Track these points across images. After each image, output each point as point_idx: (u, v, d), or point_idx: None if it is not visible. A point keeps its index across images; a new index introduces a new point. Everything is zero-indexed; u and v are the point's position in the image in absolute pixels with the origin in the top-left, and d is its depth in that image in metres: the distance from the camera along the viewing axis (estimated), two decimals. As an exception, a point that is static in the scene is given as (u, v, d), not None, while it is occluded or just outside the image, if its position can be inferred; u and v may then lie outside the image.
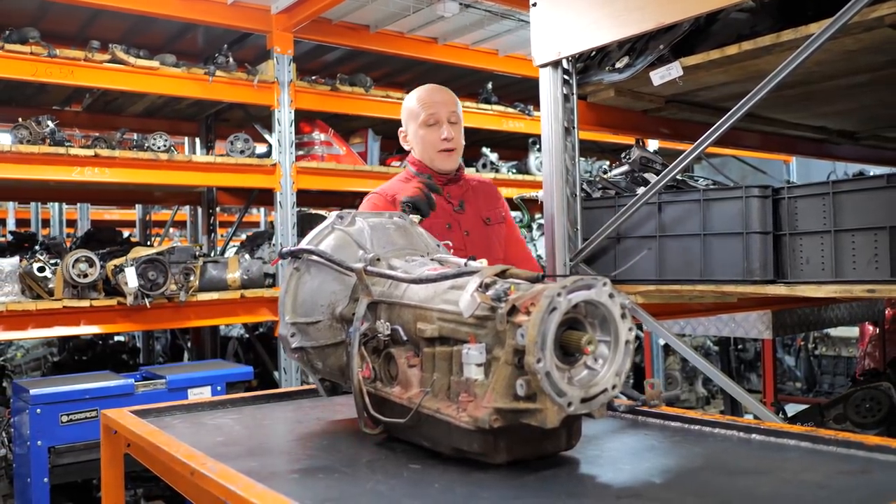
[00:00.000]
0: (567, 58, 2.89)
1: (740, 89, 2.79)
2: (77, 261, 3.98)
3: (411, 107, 2.67)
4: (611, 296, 1.31)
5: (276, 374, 5.24)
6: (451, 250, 2.37)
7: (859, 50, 2.48)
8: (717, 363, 6.96)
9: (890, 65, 2.67)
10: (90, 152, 4.12)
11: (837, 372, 7.40)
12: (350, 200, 6.92)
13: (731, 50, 2.52)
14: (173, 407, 2.00)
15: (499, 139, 6.52)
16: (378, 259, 1.71)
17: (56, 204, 9.51)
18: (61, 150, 4.05)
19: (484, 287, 1.39)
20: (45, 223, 10.22)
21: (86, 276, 3.98)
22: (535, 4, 2.93)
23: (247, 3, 4.67)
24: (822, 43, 2.20)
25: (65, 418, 3.57)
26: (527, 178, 6.06)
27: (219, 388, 3.94)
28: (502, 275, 1.45)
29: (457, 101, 2.73)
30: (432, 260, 1.75)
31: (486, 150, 6.12)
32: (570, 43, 2.82)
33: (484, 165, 6.02)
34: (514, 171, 6.19)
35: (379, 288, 1.66)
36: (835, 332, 7.15)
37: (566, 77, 2.92)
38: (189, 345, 6.68)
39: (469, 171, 3.11)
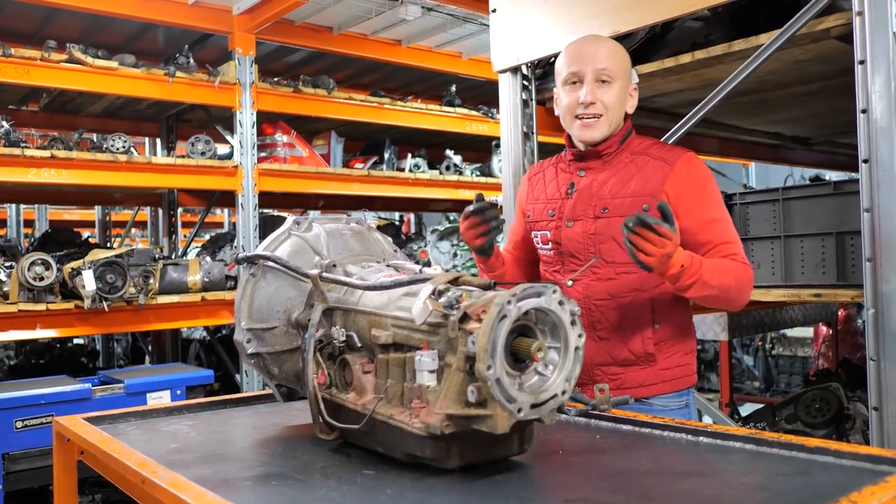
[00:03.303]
0: (526, 64, 2.92)
1: (695, 96, 2.85)
2: (33, 263, 3.91)
3: (557, 63, 2.11)
4: (560, 303, 1.34)
5: (237, 376, 5.20)
6: (549, 243, 2.08)
7: (808, 60, 2.55)
8: (677, 363, 7.04)
9: (839, 74, 2.74)
10: (46, 153, 4.06)
11: (794, 371, 7.56)
12: (313, 202, 6.91)
13: (685, 58, 2.57)
14: (128, 413, 1.98)
15: (463, 141, 6.55)
16: (334, 265, 1.72)
17: (13, 204, 9.33)
18: (16, 150, 3.98)
19: (437, 294, 1.41)
20: (3, 223, 10.02)
21: (42, 279, 3.92)
22: (494, 10, 2.96)
23: (208, 4, 4.63)
24: (772, 53, 2.27)
25: (19, 424, 3.51)
26: (490, 180, 6.10)
27: (178, 392, 3.91)
28: (455, 282, 1.47)
29: (616, 52, 2.04)
30: (388, 266, 1.76)
31: (449, 152, 6.14)
32: (529, 49, 2.85)
33: (447, 168, 6.04)
34: (478, 173, 6.23)
35: (334, 294, 1.67)
36: (791, 332, 7.30)
37: (525, 83, 2.96)
38: (150, 348, 6.60)
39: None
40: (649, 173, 1.99)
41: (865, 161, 2.03)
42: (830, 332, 5.55)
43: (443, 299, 1.37)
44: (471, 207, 1.97)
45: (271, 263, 1.75)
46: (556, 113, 2.14)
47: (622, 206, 1.98)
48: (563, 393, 1.35)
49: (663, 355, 2.02)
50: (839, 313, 5.28)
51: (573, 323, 1.35)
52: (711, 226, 1.94)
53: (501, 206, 3.02)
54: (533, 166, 2.26)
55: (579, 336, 1.36)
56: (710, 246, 1.93)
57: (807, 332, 7.01)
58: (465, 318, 1.32)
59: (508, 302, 1.27)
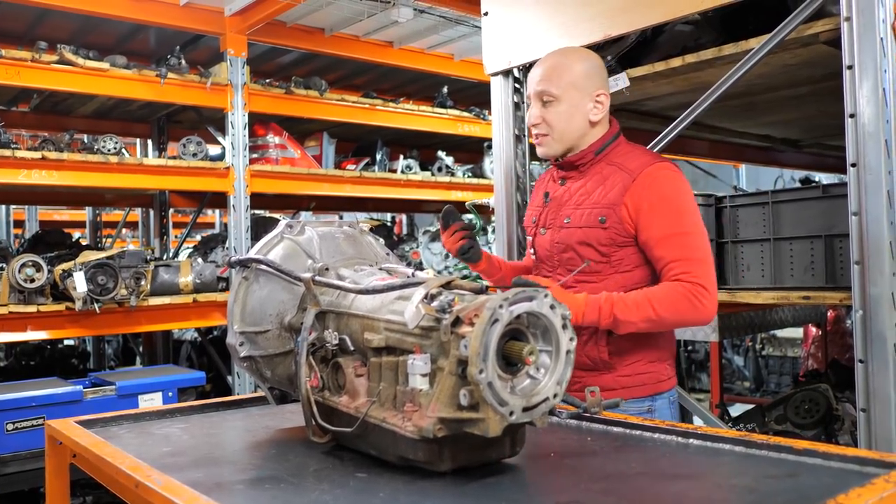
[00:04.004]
0: (518, 67, 2.93)
1: (686, 99, 2.87)
2: (23, 265, 3.90)
3: None
4: (552, 307, 1.35)
5: (229, 378, 5.19)
6: (532, 248, 2.18)
7: (797, 64, 2.57)
8: (668, 364, 7.08)
9: (828, 77, 2.77)
10: (37, 155, 4.04)
11: (784, 371, 7.60)
12: (305, 203, 6.90)
13: (676, 62, 2.59)
14: (120, 416, 1.98)
15: (454, 142, 6.57)
16: (326, 269, 1.72)
17: (3, 205, 9.29)
18: (7, 152, 3.96)
19: (429, 298, 1.41)
20: (-8, 224, 9.96)
21: (32, 280, 3.90)
22: (486, 14, 2.97)
23: (200, 5, 4.62)
24: (762, 57, 2.29)
25: (10, 426, 3.50)
26: (482, 181, 6.11)
27: (170, 394, 3.90)
28: (447, 286, 1.48)
29: (557, 69, 2.06)
30: (381, 269, 1.77)
31: (441, 153, 6.15)
32: (520, 52, 2.86)
33: (440, 169, 6.05)
34: (470, 174, 6.24)
35: (327, 297, 1.68)
36: (781, 332, 7.34)
37: (517, 86, 2.97)
38: (141, 349, 6.58)
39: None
40: (612, 184, 2.01)
41: (853, 165, 2.05)
42: (820, 332, 5.59)
43: (435, 303, 1.38)
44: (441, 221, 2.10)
45: (264, 267, 1.76)
46: None
47: (581, 217, 2.04)
48: (555, 396, 1.36)
49: (622, 363, 2.04)
50: (828, 314, 5.31)
51: (564, 326, 1.36)
52: (667, 241, 1.94)
53: (493, 209, 3.03)
54: (545, 171, 2.31)
55: (571, 339, 1.37)
56: (663, 262, 1.95)
57: (796, 332, 7.05)
58: (457, 321, 1.32)
59: (500, 306, 1.28)
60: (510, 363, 1.33)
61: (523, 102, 2.99)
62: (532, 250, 2.20)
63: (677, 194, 1.99)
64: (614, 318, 1.90)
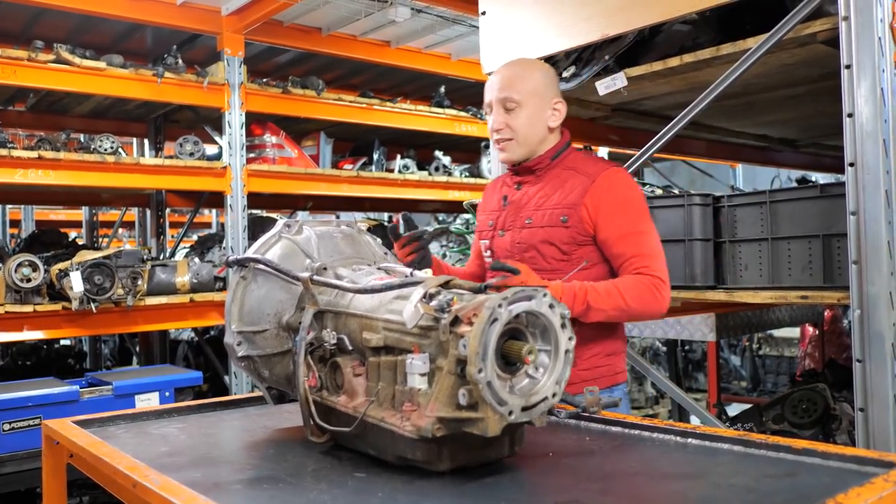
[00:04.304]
0: (516, 66, 2.92)
1: (683, 99, 2.87)
2: (20, 265, 3.89)
3: None
4: (551, 306, 1.35)
5: (226, 378, 5.19)
6: (487, 251, 2.24)
7: (795, 63, 2.57)
8: (665, 364, 7.10)
9: (826, 77, 2.76)
10: (34, 154, 4.03)
11: (780, 371, 7.61)
12: (302, 203, 6.90)
13: (673, 62, 2.58)
14: (117, 416, 1.98)
15: (452, 142, 6.56)
16: (324, 268, 1.72)
17: (-1, 205, 9.27)
18: (3, 151, 3.95)
19: (428, 297, 1.41)
20: (-11, 224, 9.93)
21: (29, 280, 3.89)
22: (483, 13, 2.96)
23: (196, 4, 4.61)
24: (759, 57, 2.29)
25: (7, 426, 3.49)
26: (479, 181, 6.11)
27: (167, 394, 3.89)
28: (446, 285, 1.47)
29: (519, 77, 2.16)
30: (378, 269, 1.76)
31: (438, 153, 6.15)
32: (518, 52, 2.85)
33: (437, 168, 6.04)
34: (467, 174, 6.24)
35: (325, 297, 1.67)
36: (778, 332, 7.36)
37: (515, 85, 2.96)
38: (137, 349, 6.57)
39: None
40: (572, 187, 2.13)
41: (851, 164, 2.05)
42: (817, 332, 5.60)
43: (434, 303, 1.38)
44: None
45: (262, 266, 1.75)
46: None
47: (543, 217, 2.14)
48: (554, 395, 1.36)
49: (583, 357, 2.11)
50: (825, 314, 5.31)
51: (563, 326, 1.36)
52: (626, 238, 2.06)
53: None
54: (494, 180, 2.42)
55: (569, 339, 1.37)
56: (622, 258, 2.07)
57: (793, 332, 7.06)
58: (456, 321, 1.32)
59: (499, 305, 1.28)
60: (509, 362, 1.33)
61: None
62: (487, 252, 2.28)
63: (633, 196, 2.12)
64: (587, 304, 1.98)
